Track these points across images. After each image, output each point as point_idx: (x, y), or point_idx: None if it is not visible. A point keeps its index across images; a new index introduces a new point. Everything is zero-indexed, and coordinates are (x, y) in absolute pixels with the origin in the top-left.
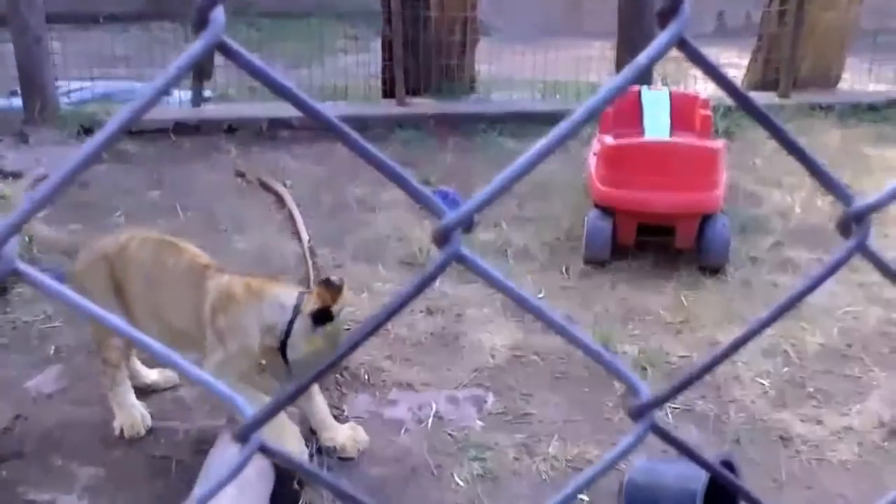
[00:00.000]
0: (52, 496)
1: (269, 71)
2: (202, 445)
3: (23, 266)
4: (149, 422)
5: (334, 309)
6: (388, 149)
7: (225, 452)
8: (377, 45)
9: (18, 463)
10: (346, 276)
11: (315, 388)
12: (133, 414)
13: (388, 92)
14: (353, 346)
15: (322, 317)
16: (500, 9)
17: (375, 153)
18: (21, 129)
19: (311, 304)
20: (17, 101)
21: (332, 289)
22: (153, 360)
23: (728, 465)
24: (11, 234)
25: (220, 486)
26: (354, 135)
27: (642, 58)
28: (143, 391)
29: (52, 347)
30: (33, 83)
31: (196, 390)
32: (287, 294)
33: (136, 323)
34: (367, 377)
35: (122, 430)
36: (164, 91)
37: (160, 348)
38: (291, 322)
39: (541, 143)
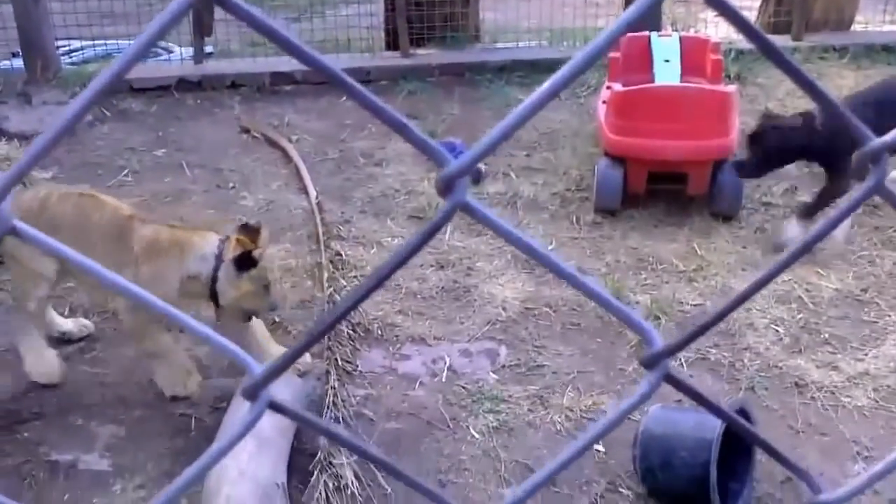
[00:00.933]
0: (73, 456)
1: (270, 23)
2: (220, 403)
3: (20, 224)
4: (64, 369)
5: (256, 253)
6: (393, 101)
7: (240, 410)
8: None
9: (39, 424)
10: (354, 231)
11: (255, 323)
12: (48, 362)
13: (392, 44)
14: (361, 299)
15: (244, 262)
16: None
17: (377, 102)
18: (23, 89)
19: (232, 250)
20: (18, 63)
21: (250, 233)
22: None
23: (743, 412)
24: (7, 190)
25: (232, 443)
26: (357, 85)
27: None
28: (59, 340)
29: (67, 309)
30: (33, 44)
31: (208, 349)
32: (208, 243)
33: (70, 277)
34: (379, 332)
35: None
36: (153, 43)
37: (166, 308)
38: (216, 270)
39: (544, 87)
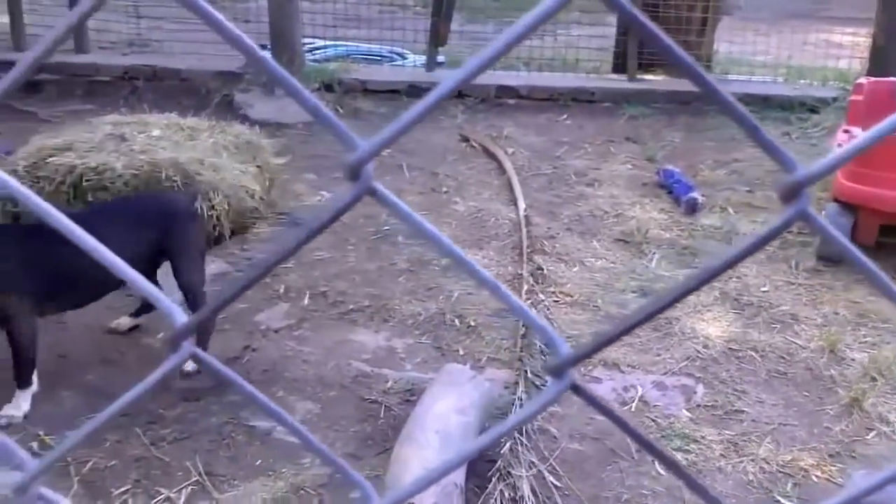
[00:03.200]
0: (270, 425)
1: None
2: (410, 395)
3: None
4: None
5: None
6: (613, 123)
7: (432, 406)
8: (611, 18)
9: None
10: (558, 247)
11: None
12: None
13: (620, 66)
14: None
15: None
16: None
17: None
18: (267, 80)
19: None
20: (265, 55)
21: None
22: None
23: None
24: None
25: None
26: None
27: None
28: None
29: (282, 287)
30: (283, 39)
31: (407, 343)
32: None
33: None
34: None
35: None
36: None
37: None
38: None
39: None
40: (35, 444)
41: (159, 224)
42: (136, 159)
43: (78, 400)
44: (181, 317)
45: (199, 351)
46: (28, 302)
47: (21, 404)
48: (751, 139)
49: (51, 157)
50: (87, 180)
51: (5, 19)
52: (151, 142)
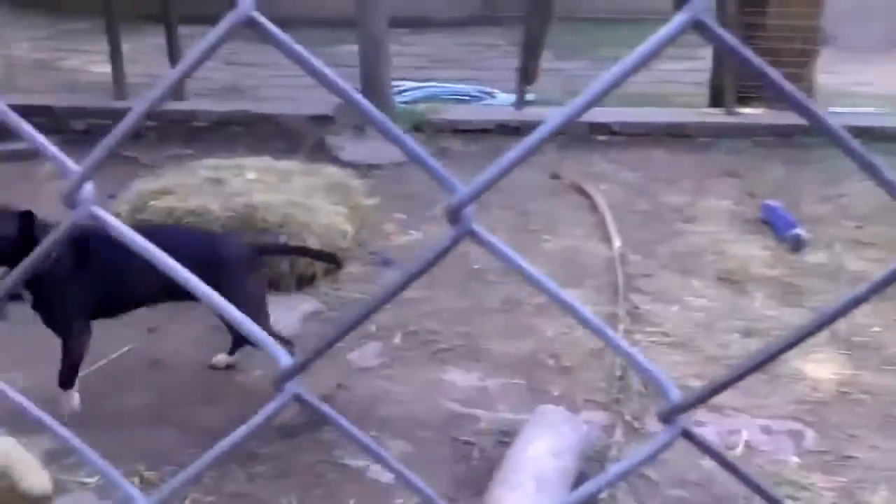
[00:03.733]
0: (364, 464)
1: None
2: (504, 437)
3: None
4: None
5: None
6: (711, 159)
7: (527, 449)
8: (705, 52)
9: (336, 428)
10: (655, 286)
11: None
12: None
13: (715, 100)
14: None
15: None
16: (844, 17)
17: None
18: (359, 123)
19: None
20: (364, 100)
21: None
22: None
23: None
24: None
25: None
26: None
27: None
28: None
29: (374, 326)
30: (373, 82)
31: (500, 383)
32: None
33: None
34: None
35: None
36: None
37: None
38: None
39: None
40: (136, 480)
41: (206, 267)
42: (232, 201)
43: (179, 437)
44: (285, 359)
45: (303, 392)
46: (83, 307)
47: (72, 400)
48: (866, 173)
49: (152, 201)
50: (186, 222)
51: (108, 69)
52: (247, 185)
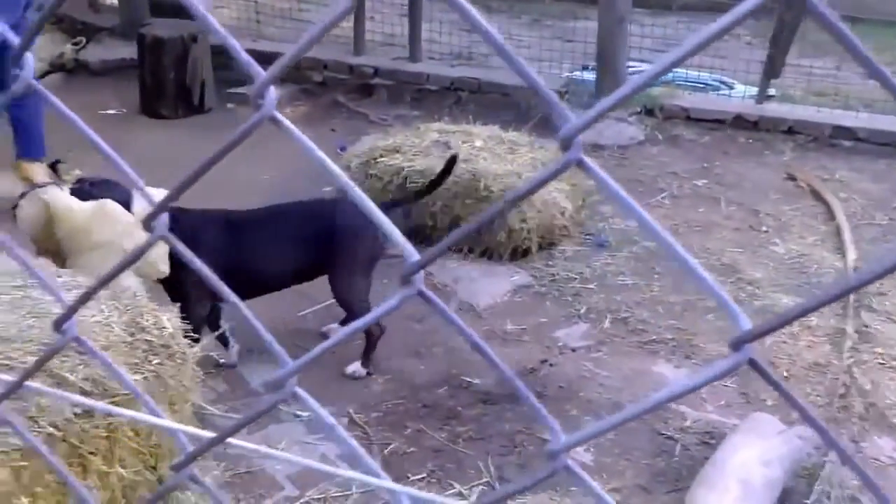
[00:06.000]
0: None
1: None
2: (709, 438)
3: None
4: None
5: None
6: None
7: (735, 453)
8: None
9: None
10: (888, 306)
11: None
12: None
13: None
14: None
15: None
16: None
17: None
18: (589, 102)
19: None
20: (587, 75)
21: None
22: None
23: None
24: None
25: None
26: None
27: None
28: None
29: (584, 307)
30: (609, 61)
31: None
32: None
33: None
34: (895, 419)
35: None
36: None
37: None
38: None
39: None
40: (345, 420)
41: (320, 234)
42: (458, 167)
43: (386, 385)
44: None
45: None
46: (205, 286)
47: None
48: None
49: (381, 157)
50: (411, 182)
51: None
52: (474, 152)
